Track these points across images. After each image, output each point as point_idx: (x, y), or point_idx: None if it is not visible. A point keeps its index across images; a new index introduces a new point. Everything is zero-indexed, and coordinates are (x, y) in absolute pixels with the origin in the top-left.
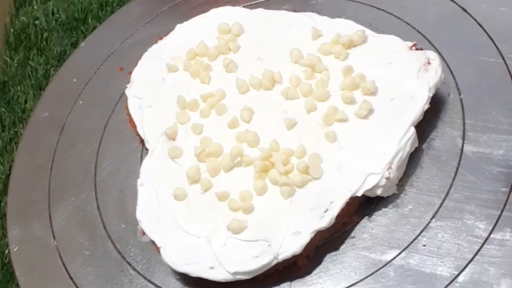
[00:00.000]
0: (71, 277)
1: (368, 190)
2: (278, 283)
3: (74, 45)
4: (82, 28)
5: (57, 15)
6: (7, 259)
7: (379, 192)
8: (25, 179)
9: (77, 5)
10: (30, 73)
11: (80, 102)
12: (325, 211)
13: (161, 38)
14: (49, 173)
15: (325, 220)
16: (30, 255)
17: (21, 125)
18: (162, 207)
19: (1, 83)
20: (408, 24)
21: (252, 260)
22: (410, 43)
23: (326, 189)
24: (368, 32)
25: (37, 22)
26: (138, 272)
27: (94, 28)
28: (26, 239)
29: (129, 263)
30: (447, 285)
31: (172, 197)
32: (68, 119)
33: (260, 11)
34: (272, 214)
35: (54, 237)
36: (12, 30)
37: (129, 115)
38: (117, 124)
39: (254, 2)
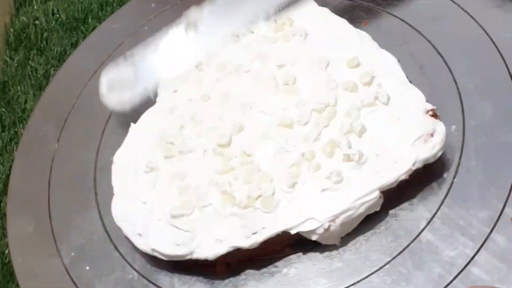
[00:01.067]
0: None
1: (304, 232)
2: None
3: (74, 45)
4: (82, 28)
5: (57, 15)
6: (7, 259)
7: (314, 238)
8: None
9: (77, 5)
10: (30, 73)
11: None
12: (253, 233)
13: None
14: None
15: (249, 241)
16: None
17: (21, 125)
18: (140, 169)
19: (1, 83)
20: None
21: (172, 245)
22: (430, 107)
23: (265, 214)
24: (399, 79)
25: (37, 22)
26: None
27: (94, 28)
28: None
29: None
30: None
31: (146, 168)
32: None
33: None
34: (209, 214)
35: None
36: (12, 30)
37: None
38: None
39: None
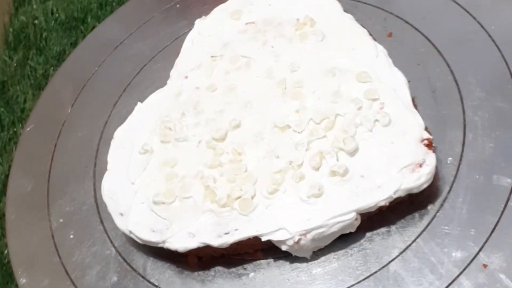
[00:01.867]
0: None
1: (275, 241)
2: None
3: (74, 44)
4: (82, 27)
5: (57, 15)
6: (6, 260)
7: (284, 248)
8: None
9: (76, 4)
10: (29, 72)
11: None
12: (225, 233)
13: None
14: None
15: (219, 241)
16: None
17: (20, 125)
18: (136, 149)
19: (0, 83)
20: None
21: (148, 230)
22: (426, 136)
23: (240, 216)
24: (404, 101)
25: (36, 21)
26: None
27: (94, 27)
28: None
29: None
30: None
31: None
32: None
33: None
34: (189, 206)
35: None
36: (11, 29)
37: None
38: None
39: None
